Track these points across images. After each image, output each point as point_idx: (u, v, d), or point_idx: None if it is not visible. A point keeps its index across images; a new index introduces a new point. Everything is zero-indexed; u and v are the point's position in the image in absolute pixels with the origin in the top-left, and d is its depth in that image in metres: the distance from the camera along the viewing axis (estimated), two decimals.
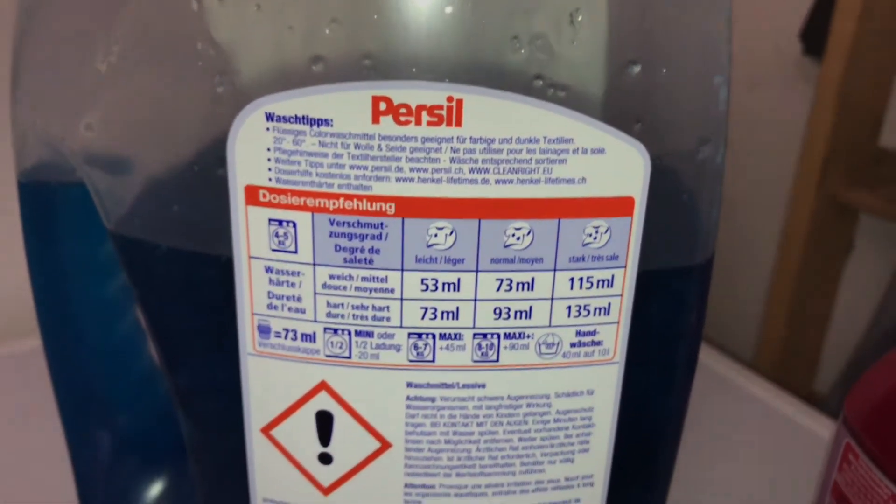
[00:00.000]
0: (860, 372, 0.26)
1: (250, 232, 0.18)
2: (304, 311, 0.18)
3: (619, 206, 0.18)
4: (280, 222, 0.17)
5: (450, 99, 0.16)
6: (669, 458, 0.22)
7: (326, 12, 0.16)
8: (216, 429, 0.21)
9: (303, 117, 0.16)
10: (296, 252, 0.18)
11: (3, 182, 0.26)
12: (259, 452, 0.20)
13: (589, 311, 0.18)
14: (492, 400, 0.19)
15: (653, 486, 0.23)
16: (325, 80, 0.16)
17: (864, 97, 0.88)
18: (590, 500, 0.21)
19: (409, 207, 0.17)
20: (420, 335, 0.18)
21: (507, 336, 0.18)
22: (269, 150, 0.17)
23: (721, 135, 0.19)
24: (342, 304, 0.18)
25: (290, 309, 0.18)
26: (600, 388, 0.19)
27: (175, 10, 0.17)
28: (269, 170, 0.17)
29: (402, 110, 0.16)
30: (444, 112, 0.16)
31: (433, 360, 0.18)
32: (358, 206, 0.17)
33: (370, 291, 0.18)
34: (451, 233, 0.17)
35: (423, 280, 0.18)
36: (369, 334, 0.18)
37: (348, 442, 0.19)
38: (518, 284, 0.18)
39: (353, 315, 0.18)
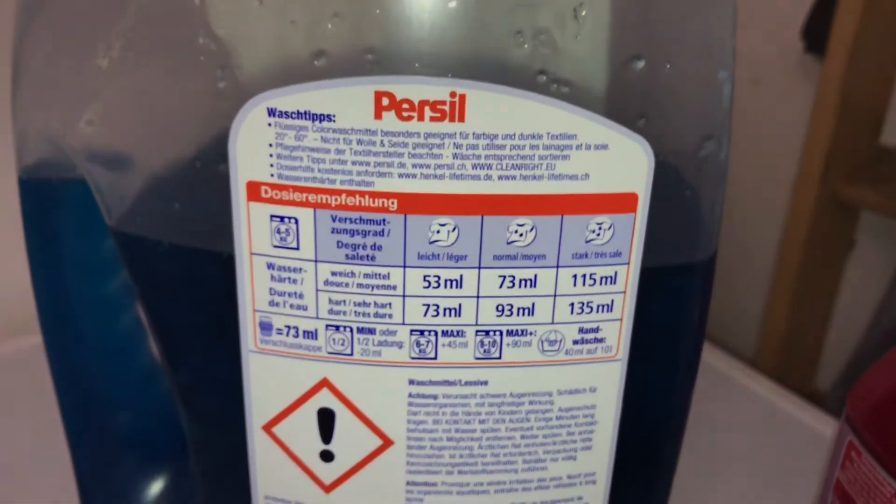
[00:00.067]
0: (861, 369, 0.26)
1: (252, 228, 0.17)
2: (305, 308, 0.18)
3: (622, 203, 0.18)
4: (282, 218, 0.17)
5: (453, 94, 0.16)
6: (672, 456, 0.22)
7: (329, 7, 0.16)
8: (217, 426, 0.21)
9: (305, 113, 0.16)
10: (298, 248, 0.18)
11: (4, 179, 0.26)
12: (260, 450, 0.20)
13: (592, 308, 0.18)
14: (494, 397, 0.19)
15: (655, 483, 0.22)
16: (328, 76, 0.16)
17: (866, 95, 0.88)
18: (592, 498, 0.21)
19: (412, 204, 0.17)
20: (422, 332, 0.18)
21: (509, 333, 0.18)
22: (270, 145, 0.17)
23: (725, 131, 0.19)
24: (344, 301, 0.18)
25: (291, 306, 0.18)
26: (603, 385, 0.19)
27: (176, 5, 0.17)
28: (271, 166, 0.17)
29: (405, 105, 0.16)
30: (446, 107, 0.16)
31: (435, 358, 0.18)
32: (360, 202, 0.17)
33: (372, 288, 0.18)
34: (454, 229, 0.17)
35: (425, 277, 0.18)
36: (371, 331, 0.18)
37: (350, 439, 0.19)
38: (521, 281, 0.18)
39: (356, 312, 0.18)
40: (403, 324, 0.18)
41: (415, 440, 0.19)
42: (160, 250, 0.19)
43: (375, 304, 0.18)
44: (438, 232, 0.17)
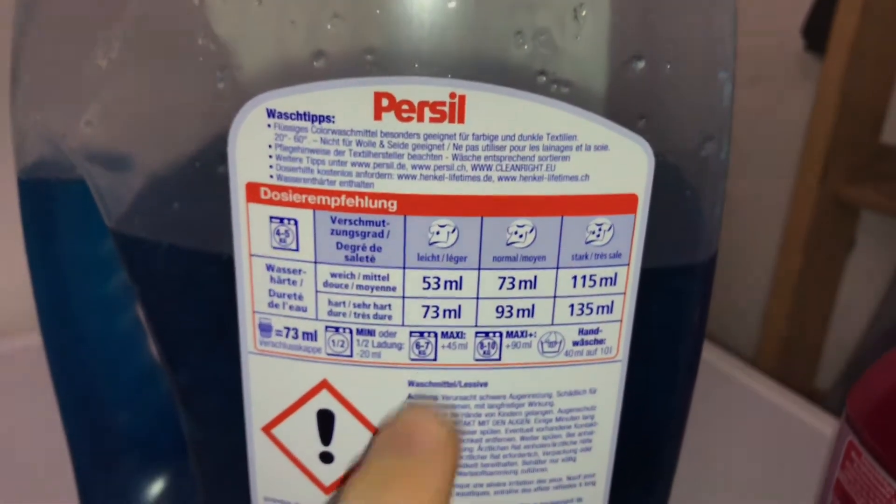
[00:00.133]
0: (862, 369, 0.26)
1: (251, 229, 0.17)
2: (305, 310, 0.18)
3: (622, 204, 0.18)
4: (281, 220, 0.17)
5: (452, 95, 0.16)
6: (672, 457, 0.22)
7: (328, 7, 0.16)
8: (217, 427, 0.21)
9: (304, 114, 0.16)
10: (297, 250, 0.17)
11: (3, 179, 0.26)
12: (260, 451, 0.20)
13: (592, 310, 0.18)
14: (494, 399, 0.19)
15: (655, 484, 0.22)
16: (327, 76, 0.16)
17: (866, 94, 0.88)
18: (592, 499, 0.21)
19: (412, 205, 0.17)
20: (422, 333, 0.18)
21: (509, 334, 0.18)
22: (270, 146, 0.17)
23: (725, 131, 0.19)
24: (344, 303, 0.18)
25: (291, 307, 0.18)
26: (603, 386, 0.19)
27: (176, 5, 0.17)
28: (271, 167, 0.17)
29: (405, 106, 0.16)
30: (446, 108, 0.16)
31: (435, 359, 0.18)
32: (360, 203, 0.17)
33: (372, 289, 0.18)
34: (454, 230, 0.17)
35: (424, 278, 0.18)
36: (371, 333, 0.18)
37: (350, 441, 0.19)
38: (520, 282, 0.18)
39: (355, 313, 0.18)
40: (403, 325, 0.18)
41: None
42: (159, 251, 0.19)
43: (375, 305, 0.18)
44: (438, 233, 0.17)
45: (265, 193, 0.17)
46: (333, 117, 0.16)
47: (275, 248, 0.18)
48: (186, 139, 0.18)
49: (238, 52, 0.17)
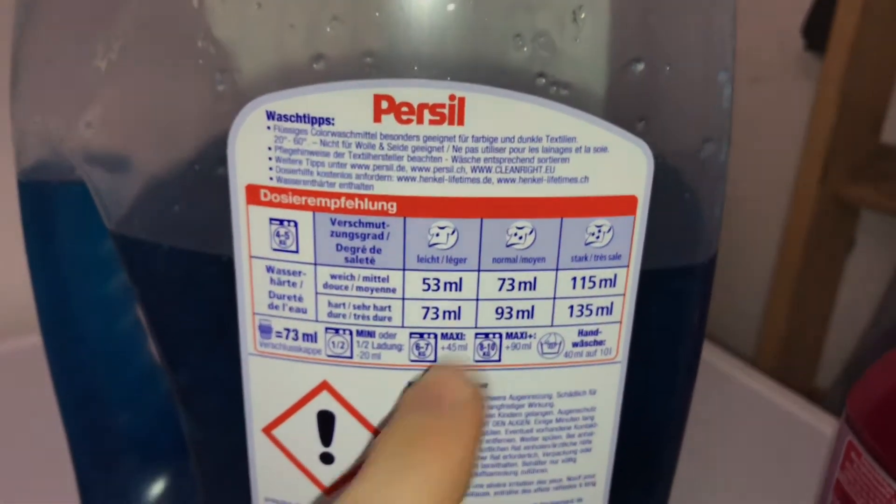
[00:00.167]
0: (861, 369, 0.26)
1: (251, 231, 0.17)
2: (305, 311, 0.18)
3: (621, 205, 0.18)
4: (281, 222, 0.17)
5: (452, 97, 0.16)
6: (672, 457, 0.22)
7: (328, 10, 0.16)
8: (217, 428, 0.21)
9: (304, 116, 0.16)
10: (297, 252, 0.17)
11: (3, 181, 0.26)
12: (260, 452, 0.20)
13: (591, 311, 0.18)
14: (494, 400, 0.19)
15: (655, 484, 0.22)
16: (327, 79, 0.16)
17: (866, 93, 0.88)
18: (592, 500, 0.21)
19: (411, 207, 0.17)
20: (422, 335, 0.18)
21: (508, 336, 0.18)
22: (269, 148, 0.17)
23: (725, 133, 0.19)
24: (343, 304, 0.18)
25: (291, 309, 0.18)
26: (602, 387, 0.19)
27: (175, 8, 0.17)
28: (270, 169, 0.17)
29: (404, 109, 0.16)
30: (446, 111, 0.16)
31: (435, 360, 0.18)
32: (359, 205, 0.17)
33: (372, 291, 0.18)
34: (453, 232, 0.17)
35: (424, 280, 0.18)
36: (371, 334, 0.18)
37: (350, 442, 0.19)
38: (520, 284, 0.18)
39: (355, 315, 0.18)
40: (403, 326, 0.18)
41: None
42: (159, 253, 0.19)
43: (375, 306, 0.18)
44: (438, 235, 0.17)
45: (265, 195, 0.17)
46: (333, 119, 0.16)
47: (275, 249, 0.18)
48: (186, 141, 0.18)
49: (237, 55, 0.17)
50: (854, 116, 0.87)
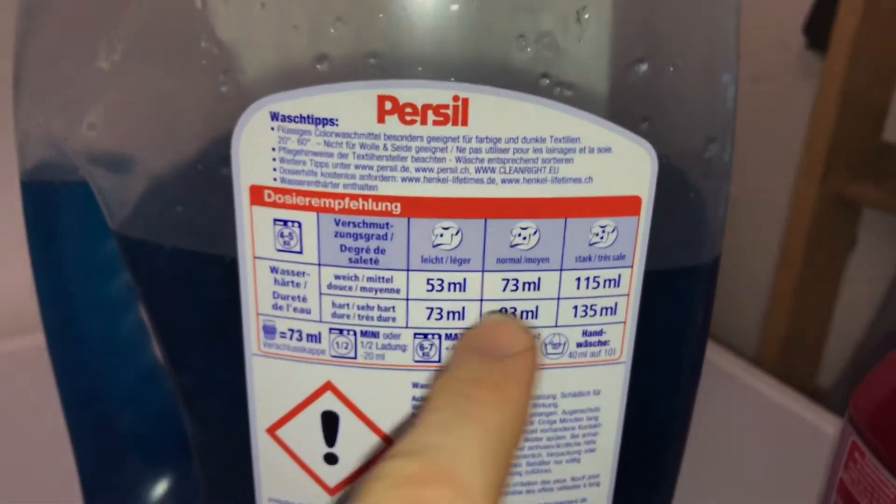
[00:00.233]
0: (863, 367, 0.26)
1: (255, 232, 0.17)
2: (309, 312, 0.18)
3: (625, 206, 0.18)
4: (285, 222, 0.17)
5: (455, 98, 0.16)
6: (676, 457, 0.22)
7: (331, 11, 0.16)
8: (221, 429, 0.21)
9: (308, 117, 0.16)
10: (301, 252, 0.17)
11: (6, 180, 0.26)
12: (264, 453, 0.20)
13: (595, 311, 0.18)
14: None
15: (659, 484, 0.22)
16: (330, 80, 0.16)
17: (868, 91, 0.88)
18: (596, 500, 0.21)
19: (415, 207, 0.17)
20: (426, 335, 0.18)
21: None
22: (273, 149, 0.17)
23: (728, 133, 0.19)
24: (347, 305, 0.18)
25: (295, 309, 0.18)
26: (607, 388, 0.19)
27: (179, 9, 0.17)
28: (274, 170, 0.17)
29: (408, 109, 0.16)
30: (449, 111, 0.16)
31: (439, 361, 0.18)
32: (363, 205, 0.17)
33: (376, 292, 0.18)
34: (457, 233, 0.17)
35: (428, 280, 0.18)
36: (375, 335, 0.18)
37: (354, 442, 0.19)
38: (524, 284, 0.18)
39: (359, 315, 0.18)
40: (407, 327, 0.18)
41: None
42: (163, 254, 0.19)
43: (379, 307, 0.18)
44: (442, 235, 0.17)
45: (269, 196, 0.17)
46: (337, 120, 0.16)
47: (279, 250, 0.18)
48: (189, 142, 0.18)
49: (241, 56, 0.17)
50: (855, 115, 0.87)
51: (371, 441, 0.19)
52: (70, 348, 0.23)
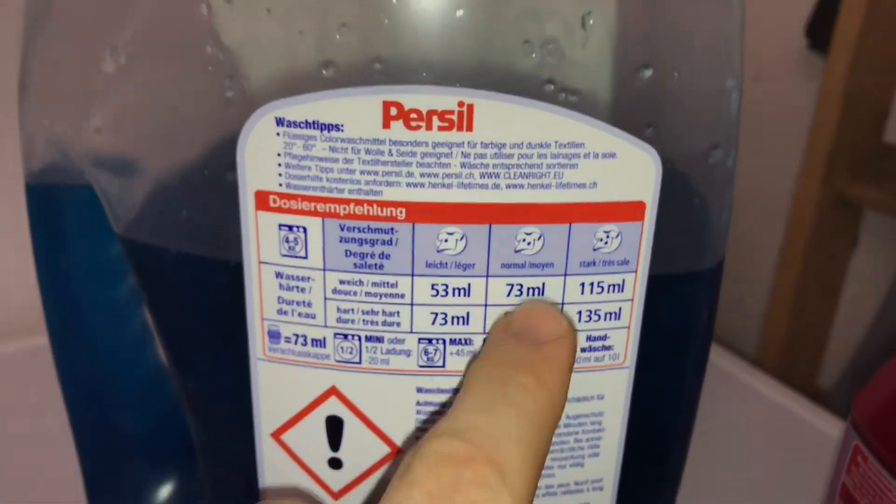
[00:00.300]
0: (864, 368, 0.26)
1: (260, 237, 0.18)
2: (314, 317, 0.18)
3: (630, 211, 0.18)
4: (290, 227, 0.17)
5: (461, 104, 0.16)
6: (679, 461, 0.22)
7: (337, 17, 0.16)
8: (225, 433, 0.21)
9: (313, 122, 0.16)
10: (306, 257, 0.18)
11: (11, 183, 0.26)
12: (269, 457, 0.20)
13: (599, 316, 0.18)
14: None
15: (662, 488, 0.23)
16: (336, 85, 0.16)
17: (870, 92, 0.88)
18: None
19: (420, 212, 0.17)
20: (430, 340, 0.18)
21: None
22: (279, 155, 0.17)
23: (732, 138, 0.19)
24: (352, 310, 0.18)
25: (300, 314, 0.18)
26: (610, 392, 0.19)
27: (184, 14, 0.17)
28: (280, 175, 0.17)
29: (413, 115, 0.16)
30: (454, 117, 0.16)
31: (443, 366, 0.18)
32: (368, 211, 0.17)
33: (380, 297, 0.18)
34: (462, 238, 0.17)
35: (433, 285, 0.18)
36: (379, 339, 0.18)
37: (358, 447, 0.19)
38: (528, 290, 0.18)
39: (364, 320, 0.18)
40: (411, 332, 0.18)
41: None
42: (168, 258, 0.19)
43: (383, 312, 0.18)
44: (446, 241, 0.17)
45: (274, 201, 0.17)
46: (342, 126, 0.16)
47: (284, 255, 0.18)
48: (195, 147, 0.18)
49: (246, 62, 0.17)
50: (857, 116, 0.87)
51: (375, 446, 0.19)
52: (74, 351, 0.23)
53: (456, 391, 0.19)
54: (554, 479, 0.20)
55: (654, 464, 0.22)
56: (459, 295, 0.18)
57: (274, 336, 0.18)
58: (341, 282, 0.18)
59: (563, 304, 0.18)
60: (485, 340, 0.18)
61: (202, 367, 0.20)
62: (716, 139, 0.18)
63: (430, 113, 0.16)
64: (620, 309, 0.18)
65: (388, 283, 0.18)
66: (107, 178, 0.19)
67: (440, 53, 0.16)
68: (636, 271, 0.18)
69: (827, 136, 0.86)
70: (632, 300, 0.18)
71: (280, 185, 0.17)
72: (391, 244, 0.17)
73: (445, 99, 0.16)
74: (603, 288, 0.18)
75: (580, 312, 0.18)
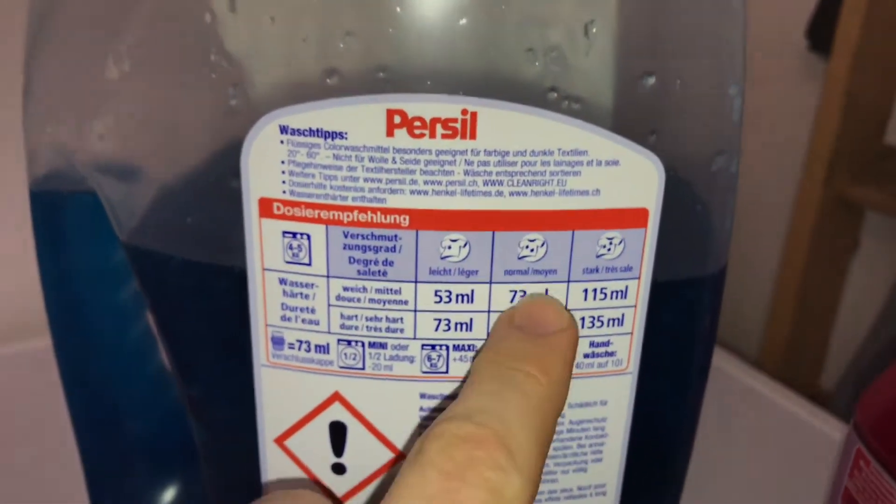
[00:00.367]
0: (866, 370, 0.26)
1: (264, 244, 0.18)
2: (317, 323, 0.18)
3: (633, 218, 0.18)
4: (294, 234, 0.17)
5: (464, 112, 0.16)
6: (682, 466, 0.22)
7: (341, 25, 0.16)
8: (229, 438, 0.21)
9: (317, 130, 0.16)
10: (310, 264, 0.18)
11: (15, 189, 0.26)
12: (272, 462, 0.20)
13: (602, 323, 0.18)
14: None
15: (665, 492, 0.23)
16: (340, 93, 0.16)
17: (871, 94, 0.88)
18: None
19: (423, 220, 0.17)
20: (433, 347, 0.18)
21: None
22: (283, 162, 0.17)
23: (735, 145, 0.19)
24: (356, 316, 0.18)
25: (303, 320, 0.18)
26: (613, 398, 0.19)
27: (188, 21, 0.17)
28: (283, 182, 0.17)
29: (417, 123, 0.16)
30: (458, 125, 0.16)
31: (447, 372, 0.18)
32: (372, 218, 0.17)
33: (384, 303, 0.18)
34: (465, 245, 0.17)
35: (436, 292, 0.18)
36: (383, 346, 0.18)
37: (362, 452, 0.19)
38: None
39: (367, 327, 0.18)
40: (415, 338, 0.18)
41: None
42: (172, 264, 0.19)
43: (387, 318, 0.18)
44: (450, 247, 0.17)
45: (278, 209, 0.17)
46: (346, 134, 0.16)
47: (287, 262, 0.18)
48: (199, 154, 0.18)
49: (250, 69, 0.17)
50: (858, 118, 0.87)
51: (379, 451, 0.19)
52: (78, 356, 0.24)
53: None
54: (557, 484, 0.20)
55: (657, 469, 0.22)
56: (463, 301, 0.18)
57: (277, 342, 0.18)
58: (345, 288, 0.18)
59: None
60: (488, 334, 0.18)
61: (206, 373, 0.20)
62: (719, 146, 0.18)
63: (434, 121, 0.16)
64: (623, 315, 0.19)
65: (391, 289, 0.18)
66: (110, 184, 0.19)
67: (443, 61, 0.16)
68: (639, 278, 0.18)
69: (828, 137, 0.86)
70: (635, 306, 0.19)
71: (284, 192, 0.17)
72: (395, 251, 0.17)
73: (449, 107, 0.16)
74: (606, 294, 0.18)
75: (583, 319, 0.18)
